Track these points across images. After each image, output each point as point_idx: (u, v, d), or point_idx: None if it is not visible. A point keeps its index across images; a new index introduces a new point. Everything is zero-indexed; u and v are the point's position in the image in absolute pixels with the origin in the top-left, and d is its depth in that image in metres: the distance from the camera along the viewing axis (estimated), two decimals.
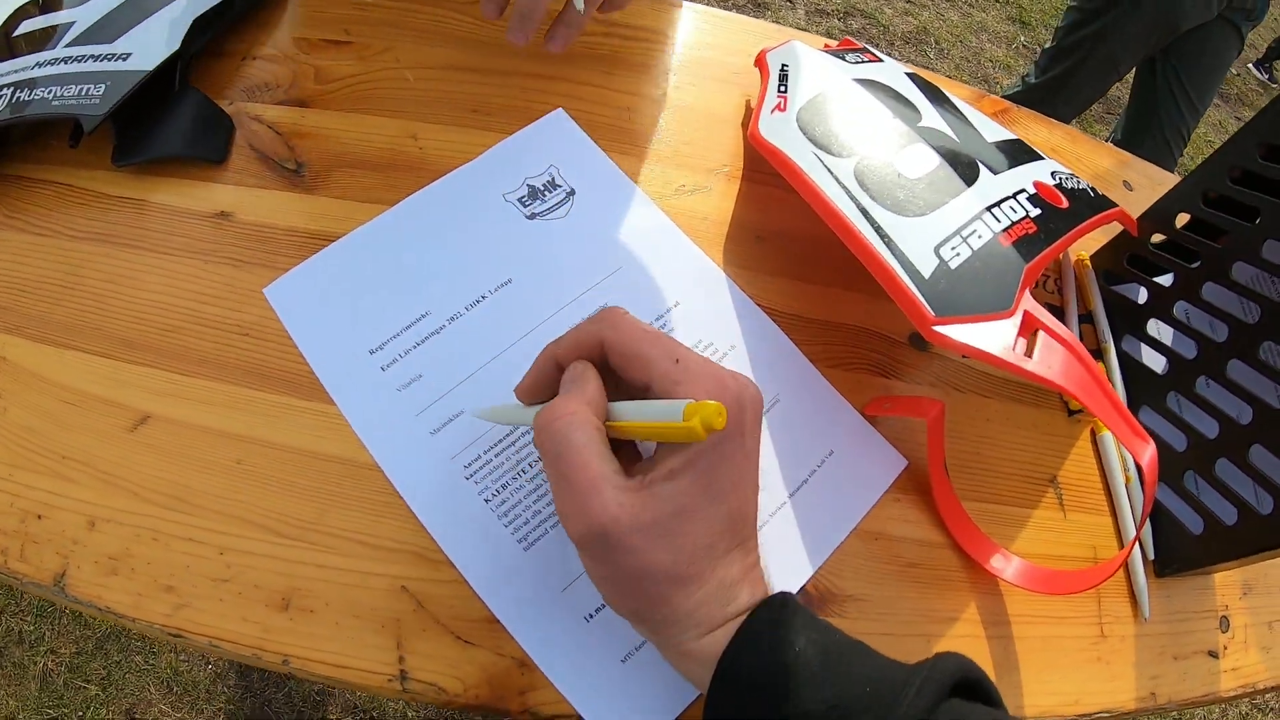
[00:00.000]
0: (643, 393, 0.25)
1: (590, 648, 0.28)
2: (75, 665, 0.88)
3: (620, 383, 0.26)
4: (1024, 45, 1.98)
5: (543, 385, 0.27)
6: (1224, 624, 0.38)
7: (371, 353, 0.33)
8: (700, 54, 0.46)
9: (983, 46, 1.93)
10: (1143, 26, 1.08)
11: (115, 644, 0.89)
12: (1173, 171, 1.28)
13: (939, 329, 0.31)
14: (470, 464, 0.31)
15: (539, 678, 0.29)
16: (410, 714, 0.87)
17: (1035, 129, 0.47)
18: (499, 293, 0.35)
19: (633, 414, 0.24)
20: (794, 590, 0.32)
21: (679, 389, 0.24)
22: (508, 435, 0.32)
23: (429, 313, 0.34)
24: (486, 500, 0.31)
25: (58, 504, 0.30)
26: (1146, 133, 1.24)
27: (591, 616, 0.29)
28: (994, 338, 0.31)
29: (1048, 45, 1.25)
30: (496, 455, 0.31)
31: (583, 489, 0.22)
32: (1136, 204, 0.46)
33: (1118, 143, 1.30)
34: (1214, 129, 2.05)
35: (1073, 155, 0.47)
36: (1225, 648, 0.38)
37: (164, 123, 0.37)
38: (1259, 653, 0.38)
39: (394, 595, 0.30)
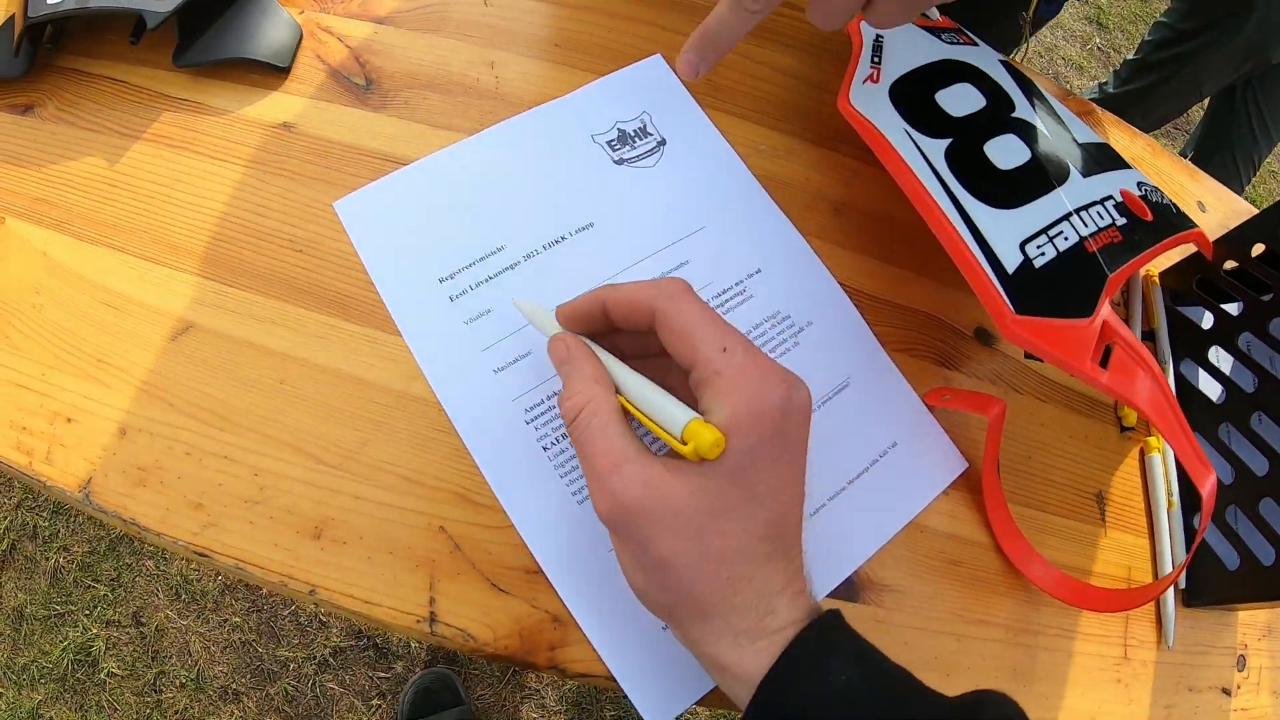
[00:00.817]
0: (685, 371, 0.23)
1: (633, 611, 0.26)
2: (86, 564, 0.87)
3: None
4: (1099, 48, 1.90)
5: (583, 321, 0.26)
6: (1241, 662, 0.37)
7: (441, 281, 0.30)
8: (793, 15, 0.43)
9: (1056, 44, 1.85)
10: (1234, 55, 1.04)
11: (127, 547, 0.89)
12: (1241, 193, 1.25)
13: (1017, 328, 0.29)
14: (532, 408, 0.29)
15: (571, 634, 0.28)
16: (414, 643, 0.87)
17: (1117, 135, 0.45)
18: (579, 236, 0.32)
19: (641, 403, 0.23)
20: (844, 577, 0.30)
21: (718, 380, 0.22)
22: None
23: (505, 246, 0.31)
24: (545, 448, 0.29)
25: (90, 408, 0.28)
26: (1217, 154, 1.19)
27: None
28: (1071, 343, 0.29)
29: (1130, 56, 1.20)
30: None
31: (603, 472, 0.22)
32: (1208, 226, 0.44)
33: (1188, 160, 1.26)
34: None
35: (1152, 168, 0.45)
36: (1239, 686, 0.37)
37: (229, 25, 0.35)
38: (1270, 696, 0.38)
39: (431, 535, 0.28)
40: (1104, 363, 0.30)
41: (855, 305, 0.35)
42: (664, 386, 0.24)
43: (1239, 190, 1.22)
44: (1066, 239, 0.31)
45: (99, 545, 0.88)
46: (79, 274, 0.31)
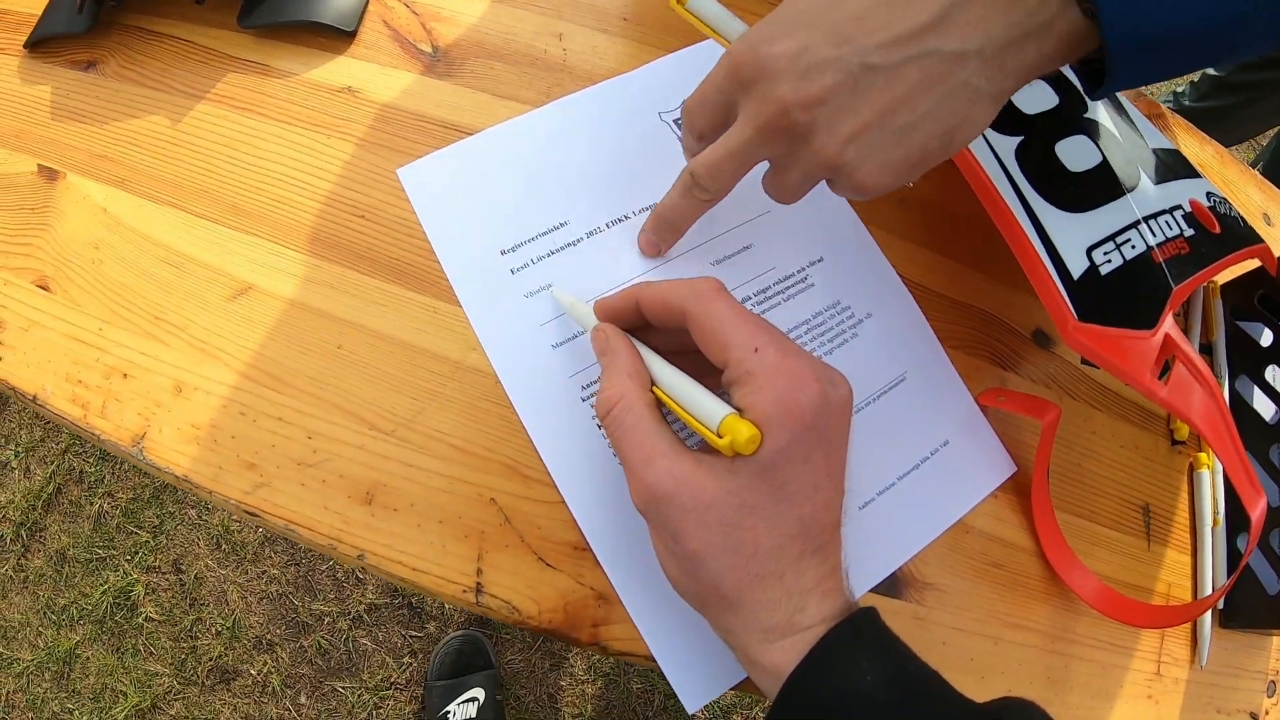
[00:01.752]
0: (719, 371, 0.23)
1: (676, 595, 0.26)
2: (130, 511, 0.88)
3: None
4: None
5: (618, 317, 0.26)
6: (1271, 688, 0.36)
7: (503, 253, 0.30)
8: None
9: None
10: None
11: (170, 496, 0.90)
12: None
13: (1079, 334, 0.28)
14: (589, 385, 0.28)
15: (615, 613, 0.27)
16: (448, 606, 0.88)
17: (1187, 140, 0.43)
18: (641, 215, 0.31)
19: (679, 394, 0.23)
20: (888, 573, 0.29)
21: (750, 381, 0.22)
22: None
23: (568, 222, 0.30)
24: (599, 426, 0.28)
25: (146, 365, 0.28)
26: None
27: None
28: (1132, 354, 0.28)
29: (1211, 71, 1.15)
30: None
31: (637, 465, 0.22)
32: (1273, 239, 0.42)
33: (1262, 170, 1.21)
34: None
35: (1220, 178, 0.43)
36: (1267, 712, 0.36)
37: None
38: None
39: (481, 506, 0.27)
40: (1163, 375, 0.29)
41: (914, 299, 0.33)
42: (700, 383, 0.23)
43: None
44: (1134, 247, 0.30)
45: (143, 493, 0.89)
46: (139, 231, 0.30)
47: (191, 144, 0.32)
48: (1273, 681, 0.36)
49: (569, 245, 0.30)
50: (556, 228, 0.30)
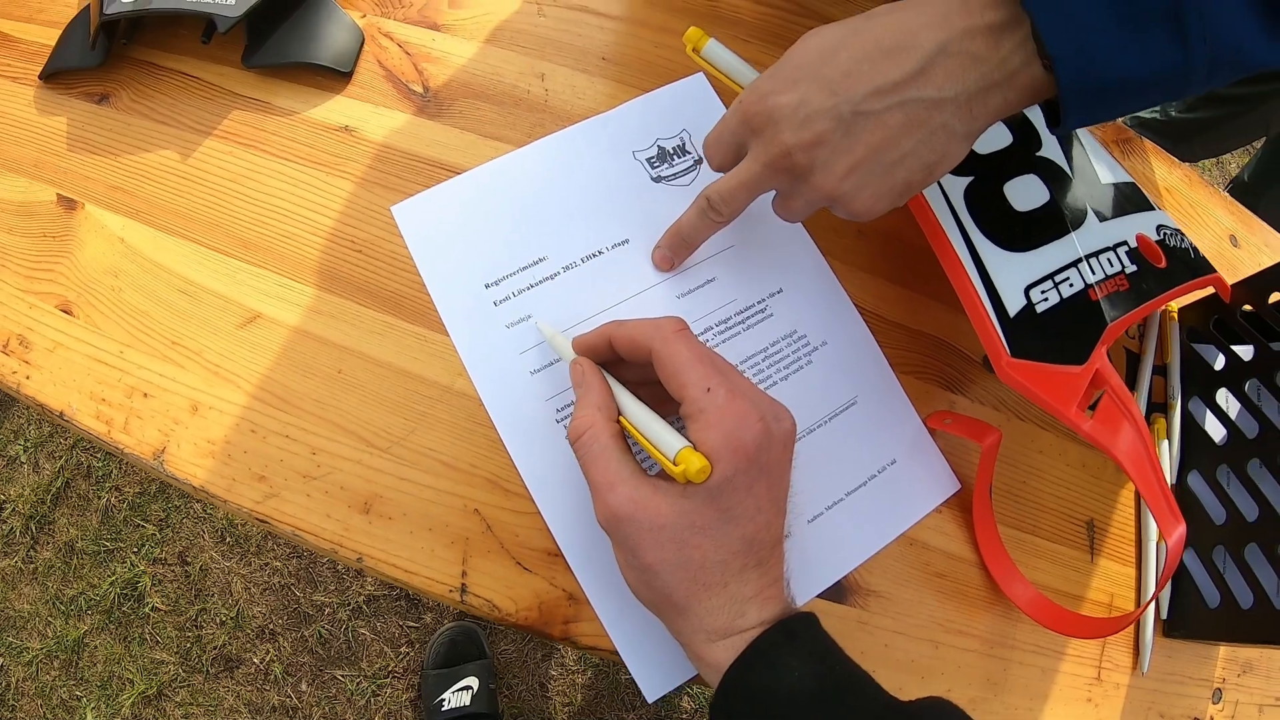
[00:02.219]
0: (677, 405, 0.28)
1: (644, 611, 0.31)
2: (137, 504, 0.96)
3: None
4: None
5: (593, 351, 0.31)
6: (1217, 695, 0.40)
7: (487, 286, 0.34)
8: None
9: None
10: None
11: (176, 490, 0.97)
12: None
13: (1011, 369, 0.32)
14: (563, 409, 0.33)
15: (584, 611, 0.32)
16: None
17: (1155, 165, 0.46)
18: (615, 250, 0.36)
19: (642, 426, 0.27)
20: (832, 581, 0.34)
21: (701, 418, 0.26)
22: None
23: (546, 257, 0.35)
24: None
25: (165, 385, 0.33)
26: (1275, 184, 1.19)
27: None
28: (1061, 389, 0.32)
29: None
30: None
31: (601, 487, 0.27)
32: (1239, 261, 0.46)
33: (1243, 184, 1.25)
34: None
35: (1187, 200, 0.46)
36: (1212, 718, 0.40)
37: (296, 28, 0.38)
38: None
39: (466, 515, 0.33)
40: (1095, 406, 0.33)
41: (869, 327, 0.38)
42: (662, 410, 0.28)
43: None
44: (1072, 285, 0.34)
45: (149, 487, 0.97)
46: (155, 260, 0.35)
47: (200, 178, 0.37)
48: (1219, 689, 0.40)
49: (547, 279, 0.35)
50: (536, 263, 0.35)
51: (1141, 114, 1.28)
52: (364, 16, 0.40)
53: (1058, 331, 0.33)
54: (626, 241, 0.36)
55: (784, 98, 0.28)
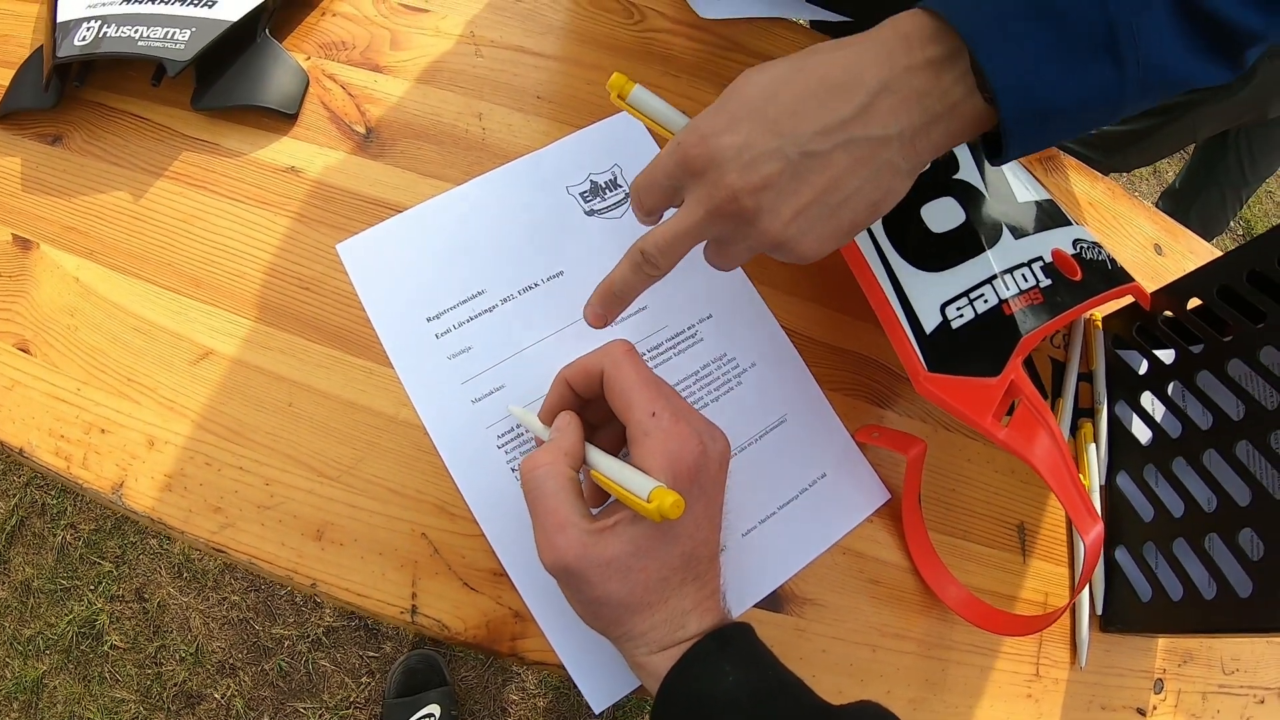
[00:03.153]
0: (624, 430, 0.30)
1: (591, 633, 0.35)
2: (92, 541, 0.99)
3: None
4: None
5: (560, 406, 0.33)
6: (1158, 686, 0.44)
7: (429, 320, 0.38)
8: (748, 62, 0.49)
9: None
10: (1233, 109, 1.12)
11: (132, 525, 1.00)
12: (1225, 227, 1.32)
13: (929, 384, 0.36)
14: (503, 435, 0.37)
15: (530, 628, 0.36)
16: (402, 627, 0.99)
17: (1078, 180, 0.51)
18: (550, 283, 0.40)
19: (611, 473, 0.29)
20: (768, 592, 0.38)
21: (646, 441, 0.29)
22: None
23: (485, 290, 0.39)
24: (513, 469, 0.37)
25: (121, 421, 0.36)
26: (1204, 190, 1.29)
27: None
28: (977, 401, 0.36)
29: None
30: (527, 431, 0.37)
31: (551, 529, 0.29)
32: (1163, 269, 0.51)
33: (1175, 191, 1.35)
34: (1277, 180, 2.05)
35: (1110, 212, 0.51)
36: (1155, 708, 0.44)
37: (243, 72, 0.42)
38: (1187, 719, 0.45)
39: (414, 539, 0.36)
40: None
41: (797, 348, 0.42)
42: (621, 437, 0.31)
43: (1225, 222, 1.30)
44: (986, 301, 0.38)
45: (104, 524, 1.00)
46: (109, 300, 0.39)
47: (152, 219, 0.40)
48: (1160, 680, 0.45)
49: (486, 311, 0.39)
50: (475, 296, 0.39)
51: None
52: (309, 59, 0.44)
53: (973, 346, 0.37)
54: (561, 273, 0.40)
55: (727, 139, 0.28)
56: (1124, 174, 1.69)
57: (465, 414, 0.37)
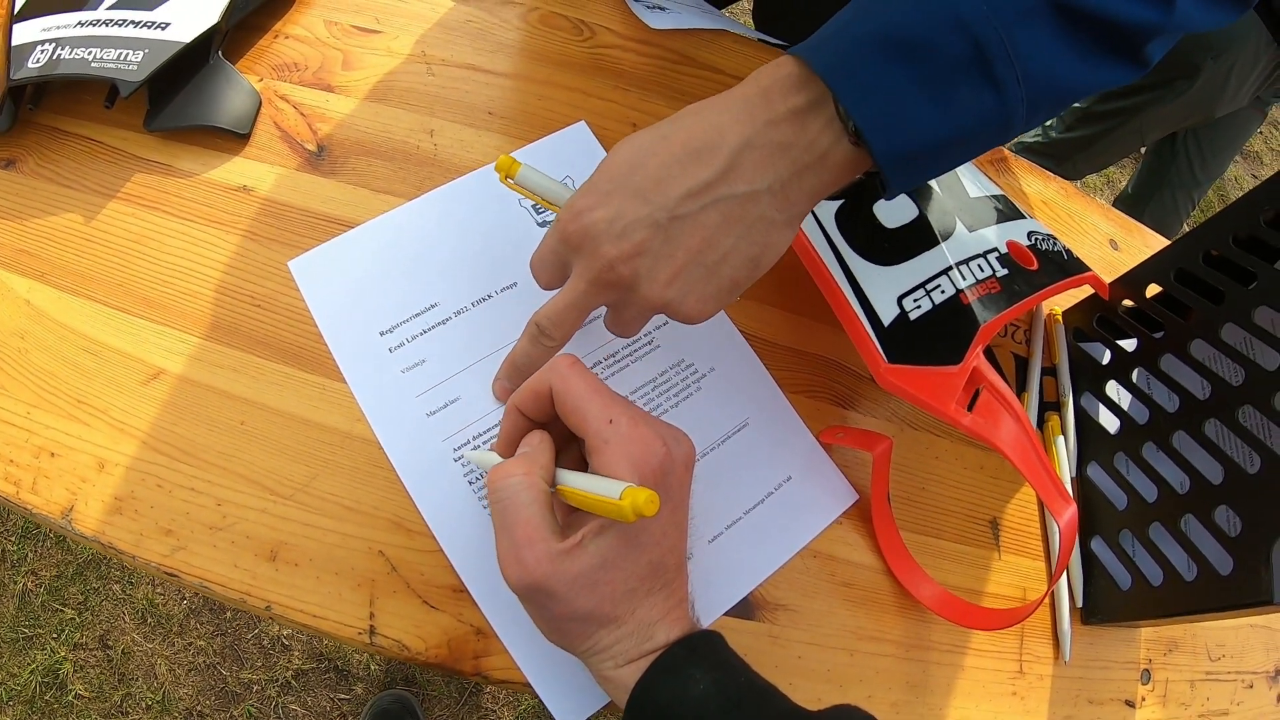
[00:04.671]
0: (581, 443, 0.30)
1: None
2: (54, 588, 0.97)
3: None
4: None
5: (517, 435, 0.32)
6: (1145, 677, 0.44)
7: (382, 334, 0.38)
8: (697, 73, 0.50)
9: None
10: (1179, 111, 1.16)
11: (94, 571, 0.98)
12: (1179, 229, 1.37)
13: (890, 375, 0.37)
14: (459, 447, 0.37)
15: (493, 645, 0.35)
16: (374, 666, 0.96)
17: (1030, 180, 0.52)
18: (503, 294, 0.40)
19: (579, 484, 0.29)
20: (738, 599, 0.38)
21: (606, 449, 0.28)
22: (495, 428, 0.37)
23: (438, 303, 0.39)
24: (470, 482, 0.36)
25: (71, 444, 0.36)
26: (1157, 192, 1.33)
27: None
28: (939, 389, 0.37)
29: (1075, 104, 1.32)
30: (484, 443, 0.37)
31: (519, 542, 0.28)
32: (1120, 264, 0.51)
33: (1128, 196, 1.39)
34: (1228, 183, 2.12)
35: (1064, 210, 0.52)
36: (1144, 699, 0.44)
37: (196, 93, 0.43)
38: (1176, 708, 0.45)
39: (371, 557, 0.36)
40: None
41: (757, 352, 0.42)
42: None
43: (1178, 225, 1.34)
44: (943, 292, 0.38)
45: (66, 570, 0.97)
46: (60, 321, 0.38)
47: (105, 240, 0.40)
48: (1146, 670, 0.44)
49: (439, 324, 0.39)
50: (429, 309, 0.39)
51: (1023, 137, 1.43)
52: (261, 81, 0.44)
53: (932, 336, 0.37)
54: (515, 284, 0.41)
55: (599, 212, 0.30)
56: (1076, 182, 1.74)
57: (420, 428, 0.37)
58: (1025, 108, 0.28)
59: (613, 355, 0.40)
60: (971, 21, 0.26)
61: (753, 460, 0.39)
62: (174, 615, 0.96)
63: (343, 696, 0.94)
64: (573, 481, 0.29)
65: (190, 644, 0.95)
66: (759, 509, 0.38)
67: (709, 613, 0.37)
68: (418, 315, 0.39)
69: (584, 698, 0.35)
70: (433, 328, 0.39)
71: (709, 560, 0.37)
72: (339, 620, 0.35)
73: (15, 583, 0.96)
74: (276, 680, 0.94)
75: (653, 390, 0.40)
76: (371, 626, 0.35)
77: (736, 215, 0.29)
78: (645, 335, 0.41)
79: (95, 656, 0.94)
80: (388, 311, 0.39)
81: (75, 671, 0.93)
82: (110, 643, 0.94)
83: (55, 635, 0.94)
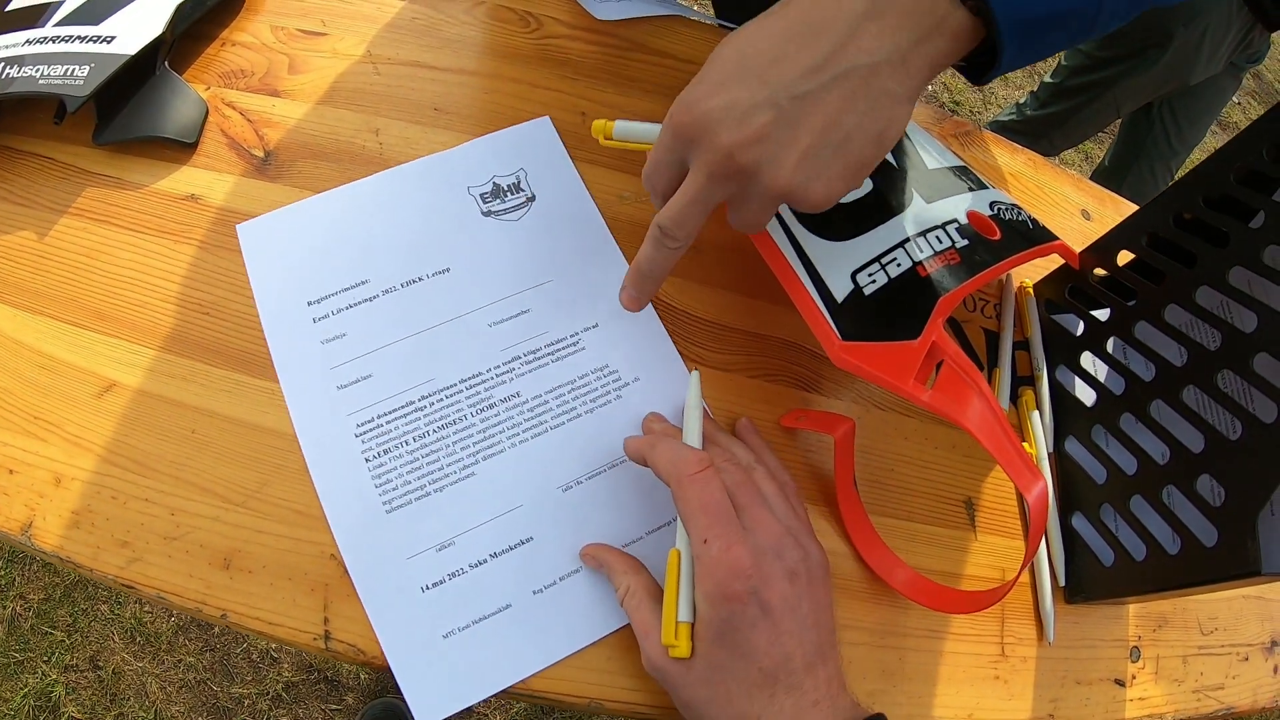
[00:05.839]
0: None
1: (418, 617, 0.34)
2: (43, 611, 0.98)
3: None
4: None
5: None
6: (1135, 654, 0.43)
7: (310, 304, 0.39)
8: (657, 62, 0.50)
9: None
10: (1153, 80, 1.15)
11: (82, 592, 0.99)
12: None
13: (844, 353, 0.36)
14: (364, 424, 0.37)
15: None
16: (364, 675, 0.96)
17: (997, 153, 0.52)
18: (434, 279, 0.40)
19: (673, 593, 0.32)
20: None
21: (698, 566, 0.31)
22: (407, 405, 0.38)
23: (368, 280, 0.40)
24: (367, 460, 0.36)
25: (29, 460, 0.36)
26: (1134, 164, 1.32)
27: (428, 589, 0.35)
28: (897, 365, 0.36)
29: (1048, 79, 1.32)
30: (389, 422, 0.37)
31: (641, 637, 0.33)
32: (1093, 233, 0.51)
33: (1105, 169, 1.37)
34: (1204, 152, 2.09)
35: (1033, 182, 0.51)
36: (1134, 677, 0.43)
37: (143, 104, 0.43)
38: (1169, 684, 0.43)
39: (323, 562, 0.35)
40: None
41: (709, 336, 0.42)
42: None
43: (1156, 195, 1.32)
44: (899, 265, 0.38)
45: (54, 592, 0.99)
46: (15, 339, 0.39)
47: (57, 256, 0.41)
48: (1135, 648, 0.43)
49: (365, 301, 0.40)
50: (358, 284, 0.40)
51: (998, 115, 1.42)
52: (208, 89, 0.44)
53: (889, 310, 0.37)
54: (448, 270, 0.41)
55: (714, 100, 0.29)
56: (1053, 158, 1.72)
57: (328, 399, 0.37)
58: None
59: (533, 352, 0.40)
60: None
61: None
62: (162, 633, 0.97)
63: (334, 707, 0.95)
64: (674, 585, 0.32)
65: (180, 661, 0.96)
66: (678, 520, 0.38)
67: None
68: (346, 290, 0.40)
69: (449, 698, 0.34)
70: (359, 303, 0.39)
71: (644, 561, 0.36)
72: (294, 626, 0.35)
73: (4, 607, 0.98)
74: (267, 693, 0.95)
75: (569, 393, 0.39)
76: (326, 632, 0.35)
77: (860, 89, 0.28)
78: (572, 336, 0.41)
79: (87, 678, 0.95)
80: (320, 282, 0.40)
81: (68, 694, 0.94)
82: (101, 663, 0.95)
83: (46, 658, 0.95)
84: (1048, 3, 0.28)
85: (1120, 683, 0.43)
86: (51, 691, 0.93)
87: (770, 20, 0.29)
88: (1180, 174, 1.35)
